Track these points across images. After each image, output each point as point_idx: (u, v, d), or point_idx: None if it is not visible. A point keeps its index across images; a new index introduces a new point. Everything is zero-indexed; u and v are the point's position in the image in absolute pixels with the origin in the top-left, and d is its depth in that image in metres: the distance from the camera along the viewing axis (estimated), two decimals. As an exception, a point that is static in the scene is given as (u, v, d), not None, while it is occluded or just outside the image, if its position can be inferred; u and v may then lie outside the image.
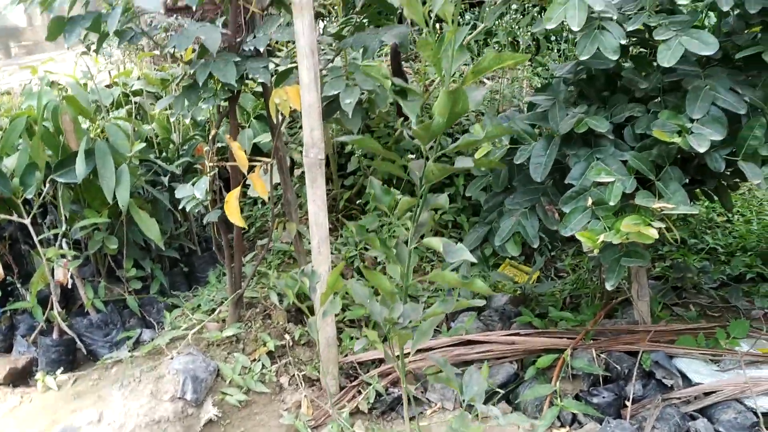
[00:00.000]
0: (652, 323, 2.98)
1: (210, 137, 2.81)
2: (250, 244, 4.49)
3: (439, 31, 4.49)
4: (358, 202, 4.45)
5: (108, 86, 4.84)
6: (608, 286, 2.49)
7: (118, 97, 4.60)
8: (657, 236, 2.07)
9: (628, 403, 2.66)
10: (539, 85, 5.84)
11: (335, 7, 4.31)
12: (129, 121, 3.62)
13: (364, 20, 3.01)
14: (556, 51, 5.70)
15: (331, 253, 4.02)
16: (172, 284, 3.81)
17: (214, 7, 4.24)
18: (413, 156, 4.36)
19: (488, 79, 5.49)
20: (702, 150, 2.13)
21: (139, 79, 4.89)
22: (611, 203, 2.24)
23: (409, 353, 2.43)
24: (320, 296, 1.57)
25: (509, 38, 5.24)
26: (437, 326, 3.28)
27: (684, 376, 2.72)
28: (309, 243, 2.79)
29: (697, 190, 2.92)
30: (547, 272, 3.99)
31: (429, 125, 1.31)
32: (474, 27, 4.81)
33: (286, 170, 3.06)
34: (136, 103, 4.61)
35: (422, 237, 1.55)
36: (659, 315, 3.10)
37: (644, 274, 3.01)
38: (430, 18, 1.39)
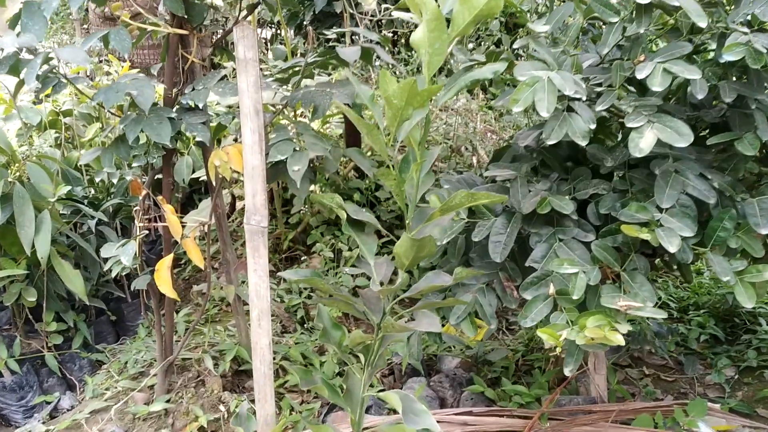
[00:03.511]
0: (609, 399, 2.86)
1: (141, 197, 2.54)
2: (185, 284, 4.21)
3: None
4: (304, 242, 4.23)
5: (37, 103, 4.50)
6: (567, 372, 2.34)
7: (47, 116, 4.27)
8: (623, 342, 1.93)
9: (584, 494, 2.53)
10: (493, 117, 5.75)
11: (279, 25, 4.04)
12: (54, 159, 3.29)
13: (312, 65, 2.77)
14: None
15: (273, 300, 3.81)
16: (98, 335, 3.52)
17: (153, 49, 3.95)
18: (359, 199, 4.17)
19: (441, 110, 5.34)
20: (673, 250, 1.99)
21: (70, 95, 4.55)
22: (574, 296, 2.09)
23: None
24: None
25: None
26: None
27: (641, 462, 2.61)
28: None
29: (657, 260, 2.81)
30: (498, 325, 3.85)
31: (391, 290, 1.11)
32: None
33: (226, 230, 2.82)
34: (65, 124, 4.29)
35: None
36: (615, 388, 2.99)
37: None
38: (394, 145, 1.19)
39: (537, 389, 2.96)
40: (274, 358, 3.02)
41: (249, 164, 2.37)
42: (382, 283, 1.23)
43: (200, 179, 4.04)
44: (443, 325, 2.96)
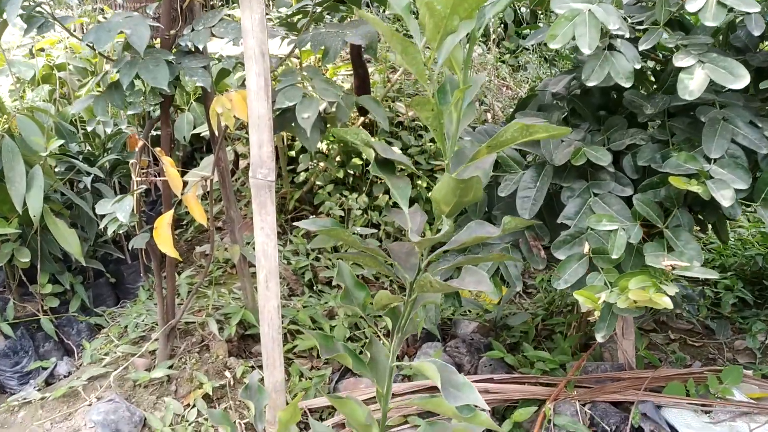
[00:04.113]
0: (636, 365, 2.70)
1: (138, 148, 2.35)
2: (188, 246, 4.04)
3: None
4: (311, 202, 4.04)
5: (30, 55, 4.28)
6: (599, 338, 2.17)
7: (41, 70, 4.06)
8: (671, 306, 1.75)
9: (614, 465, 2.39)
10: (507, 72, 5.49)
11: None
12: (45, 112, 3.08)
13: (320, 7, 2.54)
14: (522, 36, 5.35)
15: (280, 262, 3.63)
16: (97, 298, 3.35)
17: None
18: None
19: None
20: (726, 204, 1.80)
21: (65, 50, 4.33)
22: (614, 255, 1.90)
23: None
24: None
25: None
26: (398, 358, 2.94)
27: (673, 430, 2.45)
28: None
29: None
30: (513, 298, 3.68)
31: (433, 240, 0.92)
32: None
33: (229, 185, 2.63)
34: (60, 79, 4.07)
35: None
36: (643, 354, 2.82)
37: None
38: (433, 67, 0.99)
39: (560, 355, 2.79)
40: (282, 322, 2.86)
41: (254, 112, 2.17)
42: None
43: (202, 135, 3.84)
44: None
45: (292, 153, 4.16)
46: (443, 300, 2.51)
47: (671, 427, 2.46)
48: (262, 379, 2.62)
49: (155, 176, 2.39)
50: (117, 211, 2.28)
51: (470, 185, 0.94)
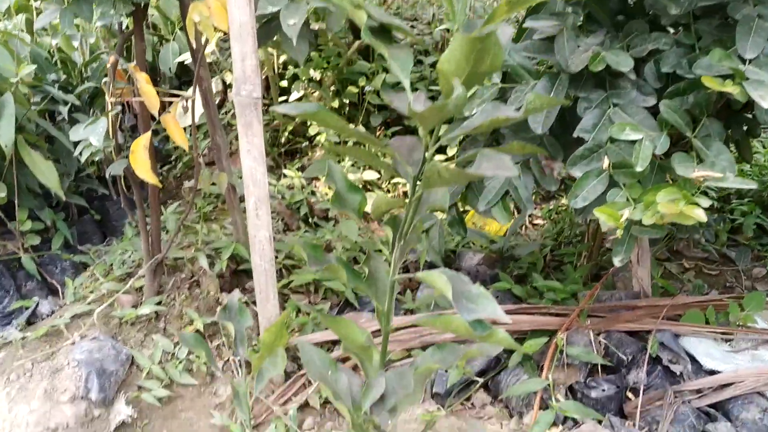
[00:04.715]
0: (652, 294, 2.55)
1: (110, 64, 2.13)
2: (176, 182, 3.85)
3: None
4: (305, 134, 3.83)
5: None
6: (616, 262, 2.01)
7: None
8: (705, 218, 1.58)
9: (631, 396, 2.26)
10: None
11: None
12: (20, 38, 2.85)
13: None
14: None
15: (273, 197, 3.45)
16: (82, 236, 3.19)
17: None
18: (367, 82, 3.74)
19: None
20: (766, 105, 1.60)
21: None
22: (638, 168, 1.72)
23: None
24: (253, 359, 1.02)
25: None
26: (399, 293, 2.79)
27: (693, 359, 2.32)
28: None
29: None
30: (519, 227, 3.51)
31: (442, 107, 0.73)
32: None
33: (213, 107, 2.42)
34: (36, 9, 3.81)
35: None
36: (659, 281, 2.67)
37: (646, 237, 2.55)
38: None
39: (571, 285, 2.64)
40: (276, 257, 2.70)
41: (236, 21, 1.96)
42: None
43: (187, 63, 3.60)
44: (464, 213, 2.61)
45: (284, 83, 3.93)
46: (447, 220, 2.35)
47: (690, 356, 2.32)
48: (246, 302, 2.47)
49: (132, 95, 2.18)
50: (90, 135, 2.08)
51: (487, 46, 0.75)
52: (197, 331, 2.45)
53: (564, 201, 3.49)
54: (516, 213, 3.02)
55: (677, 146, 1.86)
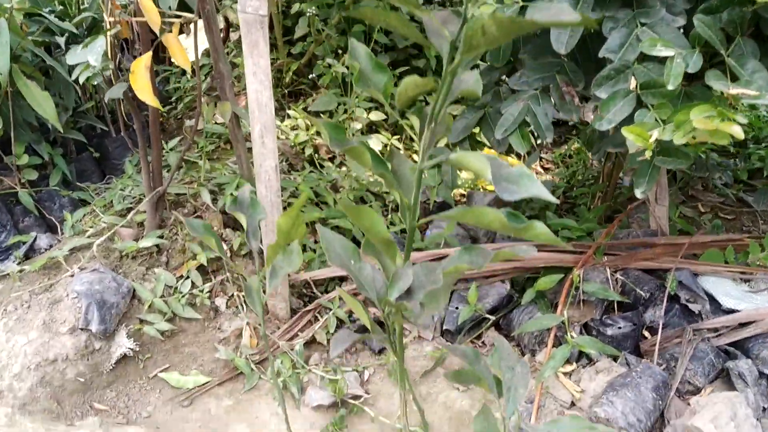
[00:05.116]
0: (669, 233, 2.47)
1: (108, -20, 2.02)
2: (177, 123, 3.74)
3: None
4: (309, 75, 3.71)
5: None
6: (638, 194, 1.93)
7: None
8: (742, 135, 1.49)
9: (647, 334, 2.19)
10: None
11: None
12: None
13: None
14: None
15: (277, 137, 3.35)
16: (81, 174, 3.09)
17: None
18: None
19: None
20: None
21: None
22: (670, 86, 1.62)
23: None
24: (267, 249, 0.94)
25: None
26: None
27: (711, 299, 2.25)
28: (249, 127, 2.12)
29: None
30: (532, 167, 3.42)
31: None
32: None
33: (217, 31, 2.31)
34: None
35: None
36: (677, 221, 2.59)
37: (664, 174, 2.46)
38: None
39: (586, 224, 2.56)
40: (281, 195, 2.62)
41: (242, -70, 1.84)
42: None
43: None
44: (476, 143, 2.53)
45: (288, 23, 3.80)
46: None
47: (709, 295, 2.26)
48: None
49: (131, 15, 2.06)
50: (88, 54, 1.98)
51: None
52: (201, 266, 2.38)
53: (576, 145, 3.39)
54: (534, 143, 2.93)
55: (708, 66, 1.76)
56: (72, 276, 2.26)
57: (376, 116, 3.37)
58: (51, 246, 2.57)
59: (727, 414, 1.70)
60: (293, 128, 3.43)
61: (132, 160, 3.12)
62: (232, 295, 2.36)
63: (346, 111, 3.46)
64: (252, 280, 1.01)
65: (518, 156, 3.26)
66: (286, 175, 3.07)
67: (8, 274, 2.34)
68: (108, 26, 2.02)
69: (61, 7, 3.10)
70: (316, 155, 3.27)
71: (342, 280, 2.41)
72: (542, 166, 3.47)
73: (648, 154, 1.63)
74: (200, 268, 2.38)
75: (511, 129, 2.01)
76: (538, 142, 3.41)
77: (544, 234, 0.86)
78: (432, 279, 0.84)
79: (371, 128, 3.42)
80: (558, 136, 3.58)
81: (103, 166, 3.21)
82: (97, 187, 3.03)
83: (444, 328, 2.28)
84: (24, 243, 2.59)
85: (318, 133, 3.40)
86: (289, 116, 3.50)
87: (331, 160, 3.26)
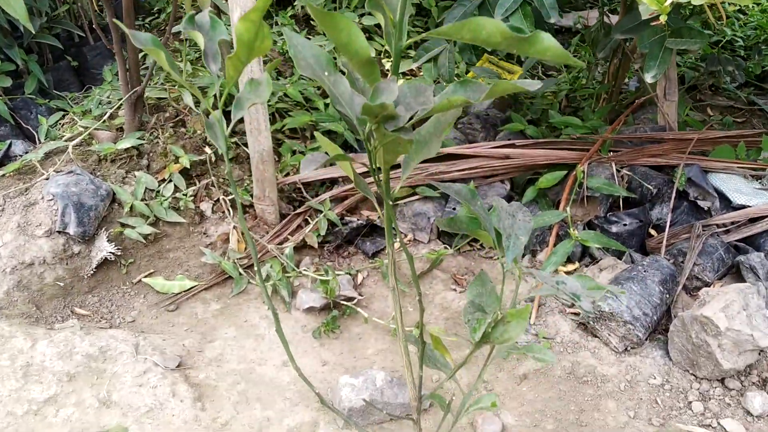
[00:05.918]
0: (678, 130, 2.34)
1: None
2: (160, 34, 3.56)
3: None
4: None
5: None
6: (648, 78, 1.80)
7: None
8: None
9: (654, 232, 2.09)
10: None
11: None
12: None
13: None
14: None
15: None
16: (59, 83, 2.94)
17: None
18: None
19: None
20: None
21: None
22: (687, -55, 1.46)
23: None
24: (227, 63, 0.81)
25: None
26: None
27: (721, 196, 2.15)
28: None
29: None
30: (533, 71, 3.27)
31: None
32: None
33: None
34: None
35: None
36: (687, 119, 2.46)
37: (674, 67, 2.32)
38: None
39: (591, 121, 2.43)
40: (269, 101, 2.48)
41: None
42: None
43: None
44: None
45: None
46: (458, 47, 2.11)
47: (719, 192, 2.15)
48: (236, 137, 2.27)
49: None
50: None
51: None
52: (184, 169, 2.26)
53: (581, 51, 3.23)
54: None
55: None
56: (47, 179, 2.14)
57: (369, 21, 3.19)
58: (27, 152, 2.44)
59: (738, 304, 1.61)
60: (280, 34, 3.25)
61: (112, 68, 2.96)
62: (218, 199, 2.25)
63: None
64: (214, 113, 0.88)
65: (518, 62, 3.10)
66: (274, 82, 2.91)
67: (-19, 180, 2.23)
68: None
69: None
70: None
71: (333, 182, 2.29)
72: (544, 73, 3.31)
73: (663, 19, 1.49)
74: (183, 172, 2.26)
75: (512, 8, 1.85)
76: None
77: (552, 47, 0.72)
78: (421, 101, 0.72)
79: (366, 34, 3.24)
80: (561, 44, 3.41)
81: (83, 76, 3.05)
82: (75, 96, 2.88)
83: (441, 229, 2.18)
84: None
85: (308, 38, 3.22)
86: (277, 23, 3.32)
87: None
